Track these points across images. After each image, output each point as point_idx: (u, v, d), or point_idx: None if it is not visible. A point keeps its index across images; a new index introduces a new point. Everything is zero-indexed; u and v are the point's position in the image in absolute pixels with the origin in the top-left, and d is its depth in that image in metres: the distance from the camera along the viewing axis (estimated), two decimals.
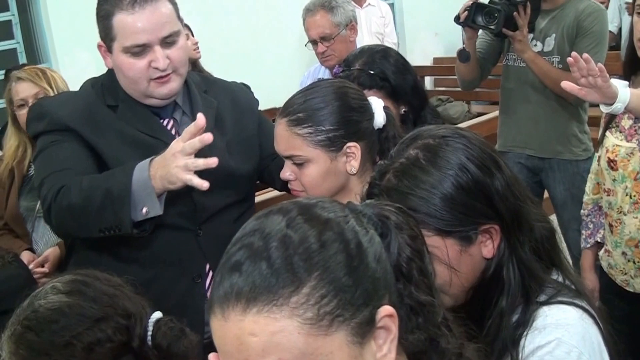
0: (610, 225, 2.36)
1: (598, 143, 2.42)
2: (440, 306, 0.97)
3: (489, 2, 3.14)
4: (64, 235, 2.02)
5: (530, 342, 1.17)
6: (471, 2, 3.13)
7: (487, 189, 1.19)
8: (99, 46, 1.89)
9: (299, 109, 1.66)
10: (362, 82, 2.03)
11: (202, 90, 2.04)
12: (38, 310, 1.24)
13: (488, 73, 3.46)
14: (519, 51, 3.16)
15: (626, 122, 2.28)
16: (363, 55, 2.16)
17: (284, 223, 0.86)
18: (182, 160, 1.64)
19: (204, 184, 1.65)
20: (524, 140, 3.33)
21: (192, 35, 4.45)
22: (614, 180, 2.30)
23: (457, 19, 3.21)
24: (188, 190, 1.84)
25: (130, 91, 1.90)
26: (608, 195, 2.34)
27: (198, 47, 4.41)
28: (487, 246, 1.22)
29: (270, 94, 5.89)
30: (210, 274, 1.94)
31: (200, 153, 1.83)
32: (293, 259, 0.83)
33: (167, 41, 1.84)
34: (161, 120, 1.95)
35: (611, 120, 2.34)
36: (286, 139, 1.66)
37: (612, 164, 2.30)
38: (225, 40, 6.23)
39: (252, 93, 2.22)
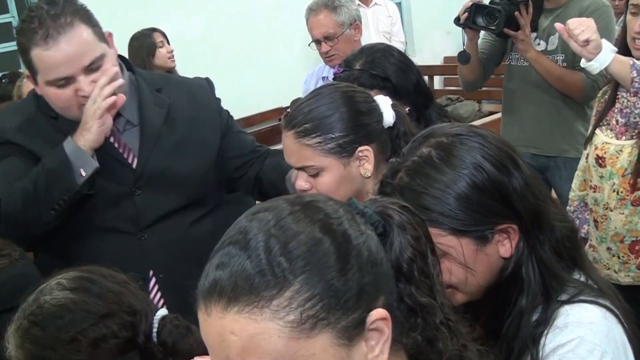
0: (595, 221, 2.42)
1: (586, 140, 2.47)
2: (444, 306, 0.96)
3: (489, 3, 3.13)
4: (19, 242, 2.01)
5: (552, 340, 1.16)
6: (471, 3, 3.11)
7: (504, 188, 1.17)
8: (28, 76, 1.90)
9: (305, 119, 1.63)
10: (363, 83, 1.99)
11: (156, 89, 2.02)
12: (43, 306, 1.25)
13: (491, 73, 3.47)
14: (522, 51, 3.15)
15: (617, 120, 2.35)
16: (363, 55, 2.13)
17: (273, 222, 0.85)
18: (90, 109, 1.79)
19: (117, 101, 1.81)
20: (527, 139, 3.31)
21: (168, 43, 4.48)
22: (601, 177, 2.37)
23: (457, 21, 3.20)
24: (129, 193, 1.92)
25: (65, 117, 1.89)
26: (594, 191, 2.42)
27: (173, 56, 4.44)
28: (505, 245, 1.20)
29: (276, 94, 5.89)
30: (154, 279, 1.95)
31: (144, 150, 1.93)
32: (279, 259, 0.82)
33: (92, 67, 1.81)
34: None
35: (601, 118, 2.40)
36: (296, 151, 1.64)
37: (600, 160, 2.36)
38: (230, 40, 6.21)
39: (213, 91, 2.17)
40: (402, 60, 2.13)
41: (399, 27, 6.50)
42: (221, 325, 0.81)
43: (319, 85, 3.21)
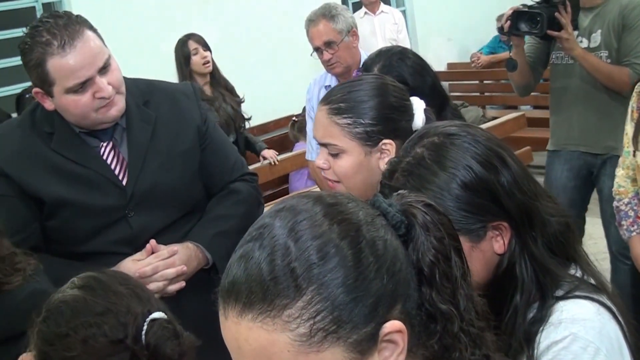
0: None
1: (633, 138, 2.43)
2: (468, 312, 0.90)
3: (528, 8, 3.19)
4: None
5: (546, 337, 1.15)
6: (511, 11, 3.17)
7: (492, 187, 1.17)
8: (36, 93, 1.88)
9: (341, 98, 1.66)
10: None
11: (142, 102, 2.01)
12: (52, 302, 1.27)
13: (540, 76, 3.51)
14: (568, 49, 3.17)
15: None
16: (381, 58, 2.16)
17: (292, 223, 0.83)
18: (153, 286, 1.83)
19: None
20: (576, 137, 3.35)
21: (205, 49, 4.61)
22: None
23: (501, 30, 3.27)
24: (123, 216, 1.93)
25: (80, 124, 1.91)
26: None
27: (208, 62, 4.58)
28: (498, 242, 1.19)
29: (290, 102, 5.97)
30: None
31: (133, 170, 1.93)
32: (293, 265, 0.80)
33: (104, 68, 1.85)
34: (102, 143, 1.95)
35: None
36: (325, 126, 1.66)
37: None
38: (244, 50, 6.28)
39: (198, 98, 2.15)
40: (418, 62, 2.16)
41: (404, 34, 6.60)
42: (237, 331, 0.81)
43: (322, 95, 3.34)
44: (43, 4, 5.60)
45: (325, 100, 1.68)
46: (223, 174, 2.11)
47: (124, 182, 1.93)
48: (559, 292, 1.18)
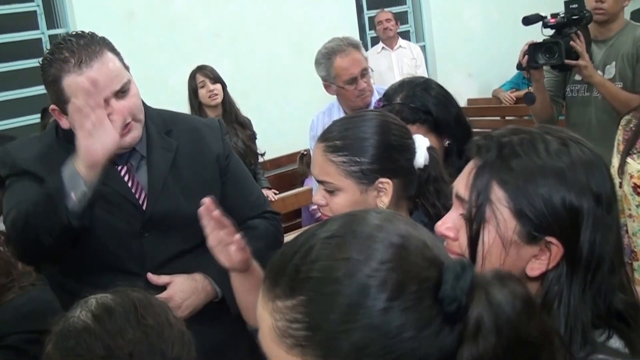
0: (633, 252, 2.41)
1: (618, 170, 2.46)
2: None
3: (543, 41, 3.26)
4: (28, 261, 2.04)
5: None
6: (527, 46, 3.23)
7: (580, 212, 1.06)
8: (52, 110, 1.89)
9: (338, 136, 1.64)
10: (405, 117, 1.95)
11: (165, 131, 2.03)
12: (63, 324, 1.28)
13: (562, 107, 3.56)
14: (587, 77, 3.22)
15: None
16: (404, 88, 2.10)
17: (329, 234, 0.83)
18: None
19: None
20: None
21: (212, 81, 4.62)
22: (638, 205, 2.37)
23: (520, 66, 3.31)
24: (137, 234, 1.92)
25: None
26: (633, 221, 2.40)
27: (214, 95, 4.60)
28: (540, 261, 1.08)
29: (302, 136, 5.88)
30: None
31: (153, 193, 1.93)
32: (301, 267, 0.81)
33: (122, 92, 1.84)
34: (117, 167, 1.95)
35: (631, 146, 2.41)
36: (320, 164, 1.64)
37: (638, 189, 2.36)
38: (258, 83, 6.27)
39: (224, 133, 2.16)
40: (442, 93, 2.10)
41: (423, 70, 6.55)
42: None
43: None
44: (50, 36, 5.61)
45: (323, 137, 1.67)
46: (242, 209, 2.07)
47: (142, 203, 1.94)
48: (580, 353, 1.04)
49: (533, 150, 1.08)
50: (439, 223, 1.19)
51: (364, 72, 3.22)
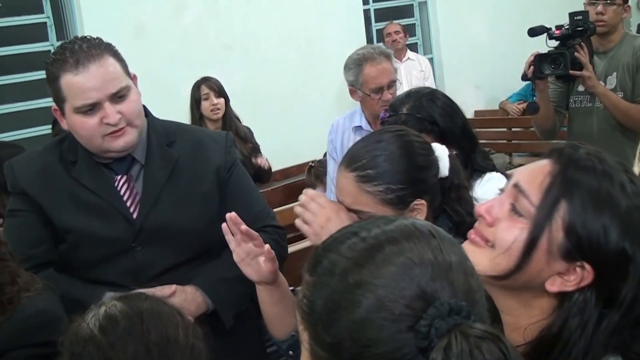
0: None
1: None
2: None
3: (548, 52, 3.33)
4: None
5: None
6: (533, 57, 3.28)
7: (623, 251, 1.08)
8: (54, 110, 1.92)
9: (369, 164, 1.61)
10: (411, 127, 1.96)
11: (167, 143, 2.02)
12: (72, 332, 1.28)
13: (564, 118, 3.64)
14: (591, 87, 3.30)
15: None
16: (410, 99, 2.13)
17: (365, 235, 0.87)
18: None
19: None
20: None
21: (217, 95, 4.63)
22: None
23: (525, 77, 3.36)
24: (129, 248, 1.93)
25: (88, 148, 1.92)
26: None
27: (216, 109, 4.61)
28: (568, 280, 1.09)
29: (312, 146, 5.91)
30: None
31: (144, 206, 1.93)
32: (323, 253, 0.88)
33: (118, 96, 1.85)
34: (117, 176, 1.96)
35: None
36: (354, 194, 1.61)
37: None
38: (268, 94, 6.27)
39: (230, 146, 2.12)
40: (448, 103, 2.13)
41: (431, 81, 6.56)
42: None
43: (352, 137, 3.23)
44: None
45: (351, 166, 1.63)
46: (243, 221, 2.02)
47: (134, 216, 1.94)
48: None
49: (609, 180, 1.10)
50: (483, 205, 1.18)
51: (392, 84, 3.17)
